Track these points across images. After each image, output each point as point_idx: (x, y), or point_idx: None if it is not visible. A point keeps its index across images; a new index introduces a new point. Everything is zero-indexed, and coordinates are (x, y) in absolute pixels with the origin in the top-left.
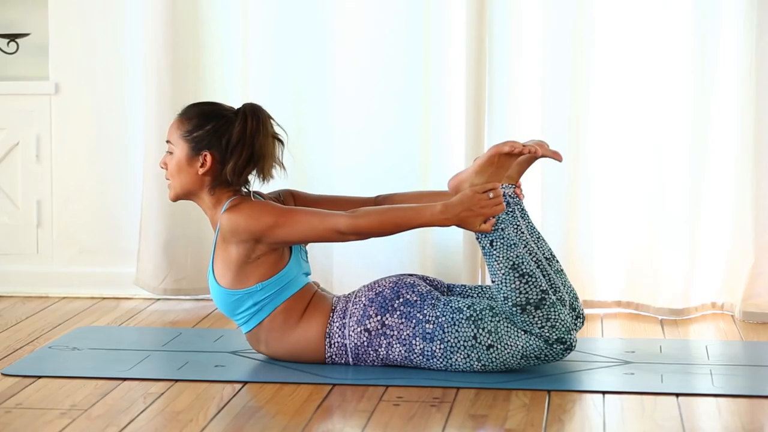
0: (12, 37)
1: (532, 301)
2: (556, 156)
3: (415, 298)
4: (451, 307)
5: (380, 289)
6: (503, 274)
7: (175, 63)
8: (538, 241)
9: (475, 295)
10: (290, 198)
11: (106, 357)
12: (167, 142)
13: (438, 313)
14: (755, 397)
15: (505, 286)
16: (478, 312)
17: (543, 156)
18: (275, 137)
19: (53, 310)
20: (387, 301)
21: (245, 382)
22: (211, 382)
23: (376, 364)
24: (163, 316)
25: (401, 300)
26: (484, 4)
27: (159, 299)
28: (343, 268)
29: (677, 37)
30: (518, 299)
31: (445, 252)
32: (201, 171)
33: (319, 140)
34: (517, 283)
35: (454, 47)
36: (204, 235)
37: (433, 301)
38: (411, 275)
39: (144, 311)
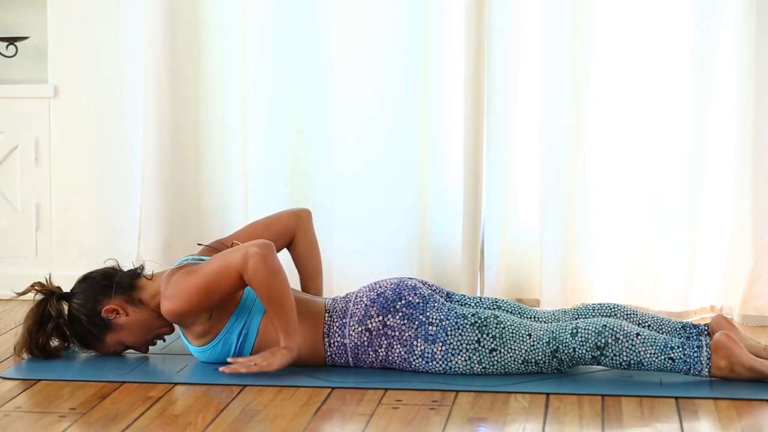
0: (11, 41)
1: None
2: None
3: (417, 300)
4: (455, 312)
5: (382, 290)
6: (526, 360)
7: (174, 66)
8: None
9: (473, 306)
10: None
11: (104, 360)
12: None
13: (442, 316)
14: (754, 400)
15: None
16: (483, 319)
17: None
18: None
19: None
20: (389, 302)
21: (244, 386)
22: (209, 386)
23: (375, 365)
24: None
25: (403, 302)
26: (482, 9)
27: None
28: (342, 273)
29: (676, 40)
30: (578, 351)
31: (444, 257)
32: (121, 317)
33: (319, 144)
34: (546, 350)
35: (453, 52)
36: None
37: (436, 305)
38: (411, 278)
39: None
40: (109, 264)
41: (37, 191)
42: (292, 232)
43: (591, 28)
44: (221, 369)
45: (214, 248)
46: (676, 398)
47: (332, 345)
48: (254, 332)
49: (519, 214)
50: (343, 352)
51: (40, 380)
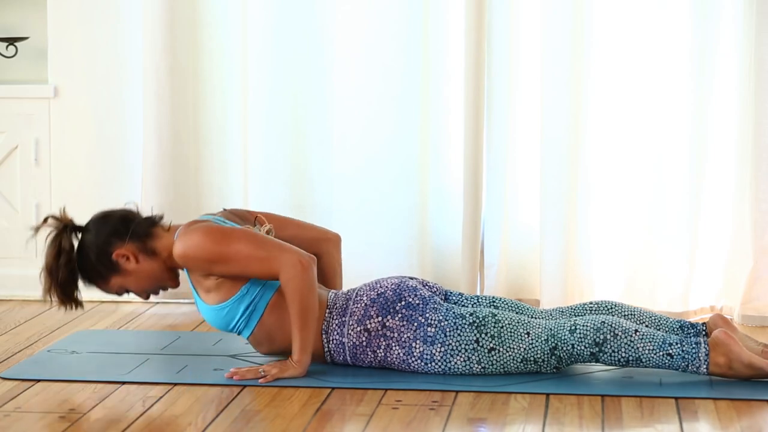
0: (11, 41)
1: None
2: None
3: (417, 302)
4: (453, 313)
5: (382, 290)
6: (523, 359)
7: (174, 67)
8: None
9: (470, 305)
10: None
11: (104, 360)
12: (112, 293)
13: (441, 317)
14: (754, 400)
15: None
16: (481, 319)
17: None
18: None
19: (52, 313)
20: (389, 303)
21: (244, 386)
22: (209, 386)
23: (373, 365)
24: (161, 319)
25: (403, 303)
26: (483, 11)
27: (158, 303)
28: (344, 271)
29: (676, 39)
30: (571, 350)
31: (444, 257)
32: (131, 263)
33: (318, 145)
34: (545, 347)
35: (452, 53)
36: None
37: (435, 306)
38: (412, 278)
39: (143, 315)
40: (130, 207)
41: (37, 191)
42: (315, 248)
43: (591, 28)
44: (227, 375)
45: (236, 215)
46: (676, 398)
47: (330, 342)
48: (260, 311)
49: (519, 214)
50: (342, 350)
51: (40, 380)
